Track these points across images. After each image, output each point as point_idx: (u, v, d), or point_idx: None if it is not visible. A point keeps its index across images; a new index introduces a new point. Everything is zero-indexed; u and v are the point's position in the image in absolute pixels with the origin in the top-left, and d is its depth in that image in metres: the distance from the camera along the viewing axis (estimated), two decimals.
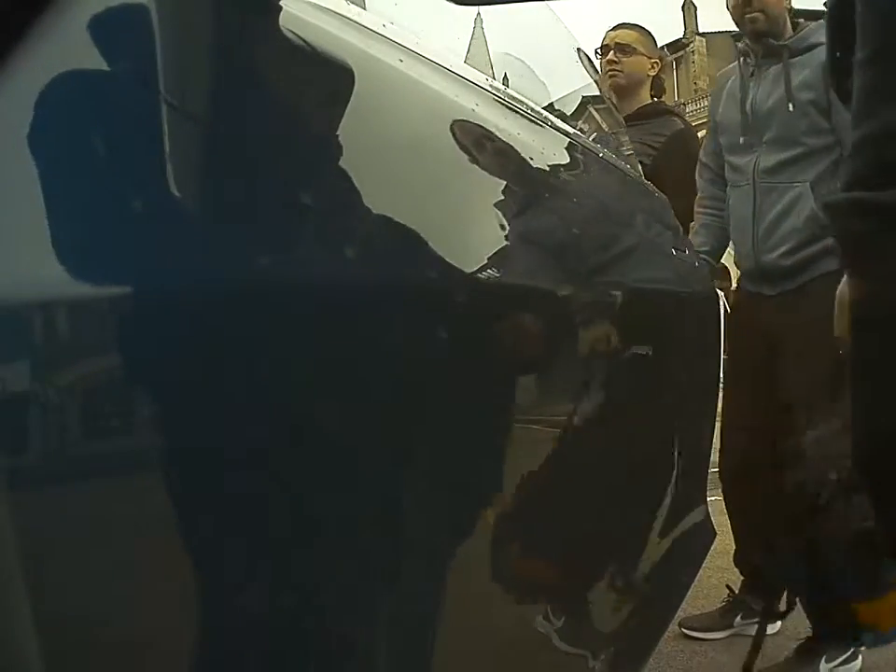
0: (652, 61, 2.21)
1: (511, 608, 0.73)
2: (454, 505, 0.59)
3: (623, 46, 2.15)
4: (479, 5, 0.92)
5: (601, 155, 1.19)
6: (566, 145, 1.02)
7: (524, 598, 0.76)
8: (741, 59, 1.89)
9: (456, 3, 0.68)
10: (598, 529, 0.93)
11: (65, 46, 0.35)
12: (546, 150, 0.92)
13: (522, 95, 0.94)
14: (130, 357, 0.35)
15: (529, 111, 0.92)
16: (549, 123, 0.97)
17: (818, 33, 1.69)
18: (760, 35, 1.81)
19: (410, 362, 0.52)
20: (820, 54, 1.48)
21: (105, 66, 0.37)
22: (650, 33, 2.25)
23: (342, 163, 0.50)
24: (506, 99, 0.86)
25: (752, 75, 1.84)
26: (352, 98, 0.53)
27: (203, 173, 0.42)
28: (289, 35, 0.50)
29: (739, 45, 1.91)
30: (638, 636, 1.18)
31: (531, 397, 0.74)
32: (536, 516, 0.74)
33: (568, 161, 1.02)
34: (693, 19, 27.68)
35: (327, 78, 0.53)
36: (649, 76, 2.20)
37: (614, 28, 2.23)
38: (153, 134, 0.38)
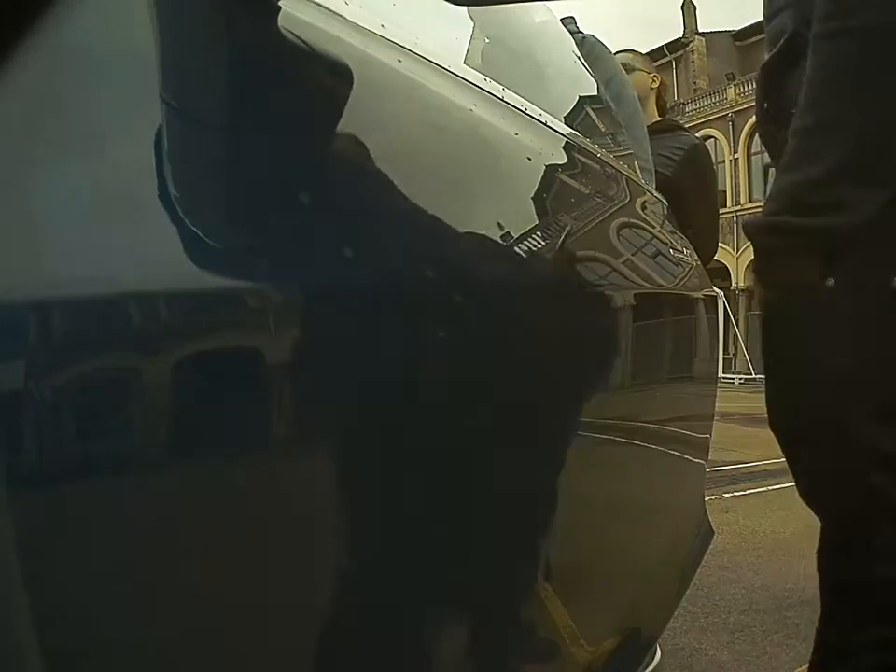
0: (651, 75, 2.26)
1: (517, 605, 0.73)
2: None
3: (622, 66, 2.20)
4: (479, 5, 0.93)
5: (599, 155, 1.19)
6: (564, 145, 1.02)
7: (525, 597, 0.76)
8: None
9: (456, 3, 0.68)
10: (599, 525, 0.94)
11: (66, 46, 0.35)
12: (544, 151, 0.92)
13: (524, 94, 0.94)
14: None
15: (528, 111, 0.92)
16: (547, 123, 0.97)
17: None
18: None
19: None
20: None
21: (104, 66, 0.37)
22: (639, 52, 2.33)
23: (338, 164, 0.50)
24: (504, 99, 0.86)
25: None
26: (350, 99, 0.53)
27: (197, 171, 0.42)
28: (288, 36, 0.50)
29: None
30: (638, 633, 1.18)
31: (547, 392, 0.75)
32: (543, 515, 0.74)
33: (567, 161, 1.02)
34: (693, 18, 27.62)
35: (325, 79, 0.54)
36: (652, 89, 2.25)
37: None
38: (151, 134, 0.38)
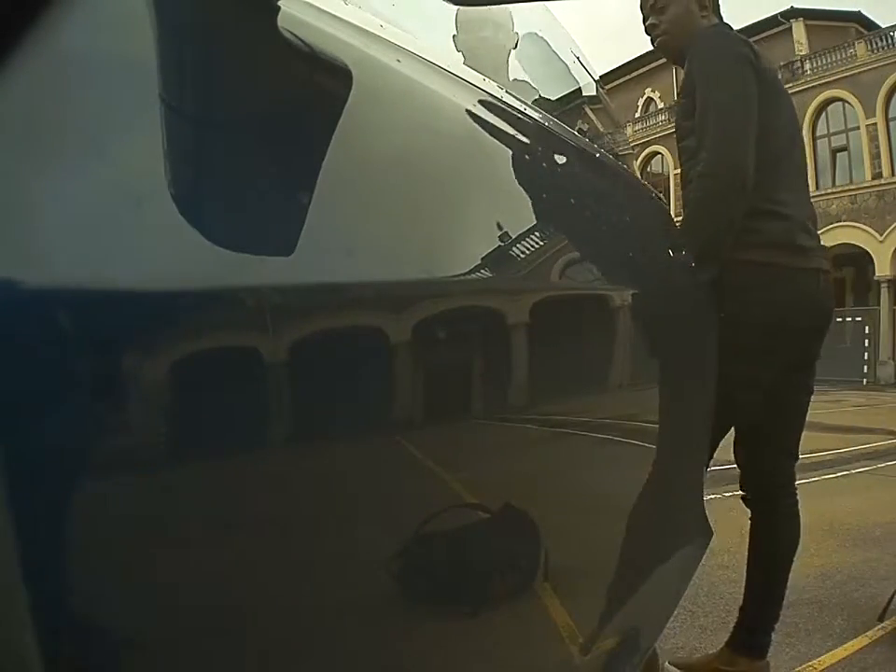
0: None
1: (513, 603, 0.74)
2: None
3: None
4: (479, 5, 0.93)
5: (598, 155, 1.19)
6: (563, 145, 1.02)
7: (524, 596, 0.76)
8: None
9: (456, 3, 0.68)
10: (598, 525, 0.94)
11: (65, 46, 0.35)
12: (544, 150, 0.92)
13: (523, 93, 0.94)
14: None
15: (527, 111, 0.92)
16: (546, 123, 0.98)
17: None
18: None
19: None
20: None
21: (103, 67, 0.37)
22: None
23: (337, 164, 0.50)
24: (503, 99, 0.86)
25: None
26: (349, 98, 0.53)
27: (196, 172, 0.42)
28: (287, 36, 0.50)
29: None
30: (637, 632, 1.18)
31: (546, 392, 0.75)
32: (538, 514, 0.74)
33: (566, 161, 1.02)
34: None
35: (324, 79, 0.54)
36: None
37: None
38: (150, 135, 0.38)
